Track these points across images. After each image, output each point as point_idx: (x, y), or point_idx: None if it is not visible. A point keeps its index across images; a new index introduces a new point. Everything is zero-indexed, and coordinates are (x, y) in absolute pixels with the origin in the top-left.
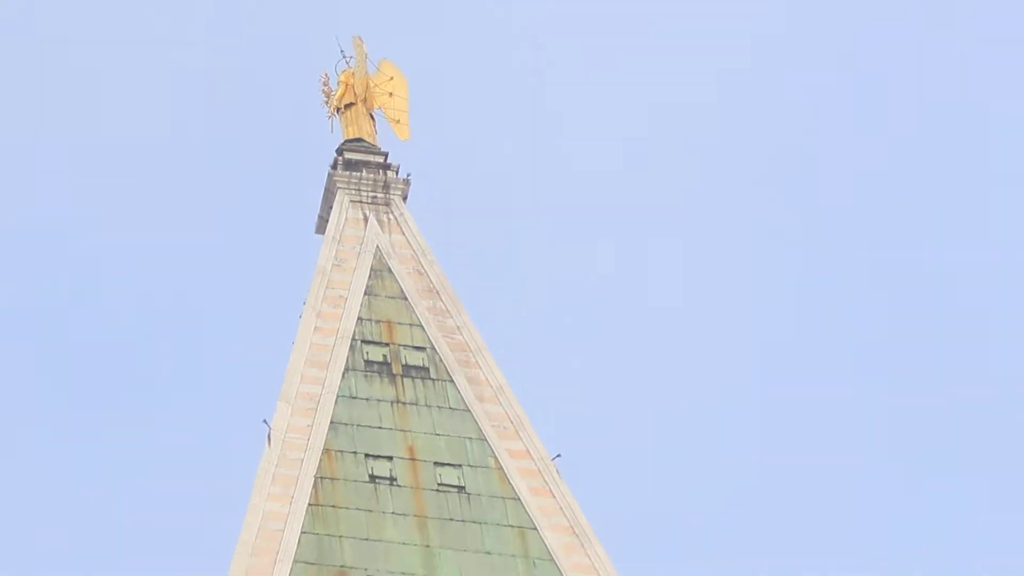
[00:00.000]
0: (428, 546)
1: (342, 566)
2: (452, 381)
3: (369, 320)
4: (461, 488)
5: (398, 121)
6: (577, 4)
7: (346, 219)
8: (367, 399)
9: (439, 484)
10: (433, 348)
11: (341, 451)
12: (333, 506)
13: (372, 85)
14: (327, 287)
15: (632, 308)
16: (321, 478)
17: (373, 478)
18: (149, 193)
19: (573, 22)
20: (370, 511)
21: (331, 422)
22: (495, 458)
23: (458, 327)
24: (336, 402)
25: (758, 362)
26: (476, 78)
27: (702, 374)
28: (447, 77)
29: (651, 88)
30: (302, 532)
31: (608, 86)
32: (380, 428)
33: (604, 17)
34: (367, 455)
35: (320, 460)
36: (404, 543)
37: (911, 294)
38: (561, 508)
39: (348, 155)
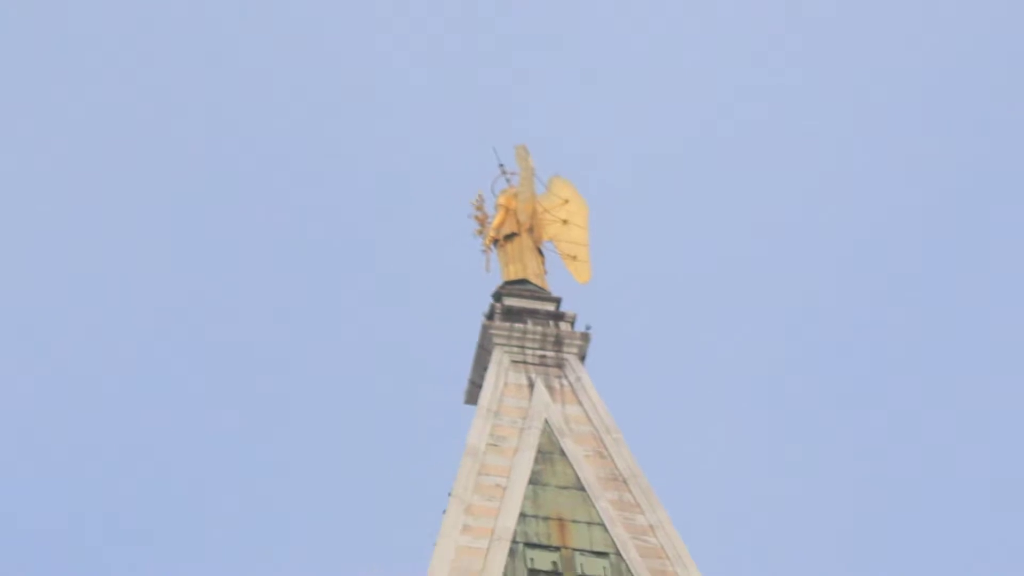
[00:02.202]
0: None
1: None
2: None
3: (535, 517)
4: None
5: (575, 257)
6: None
7: (505, 385)
8: None
9: None
10: (619, 554)
11: None
12: None
13: (541, 210)
14: (480, 473)
15: None
16: None
17: None
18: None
19: None
20: None
21: None
22: None
23: (651, 526)
24: None
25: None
26: (673, 197)
27: None
28: (638, 197)
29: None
30: None
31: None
32: None
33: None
34: None
35: None
36: None
37: None
38: None
39: (509, 302)
